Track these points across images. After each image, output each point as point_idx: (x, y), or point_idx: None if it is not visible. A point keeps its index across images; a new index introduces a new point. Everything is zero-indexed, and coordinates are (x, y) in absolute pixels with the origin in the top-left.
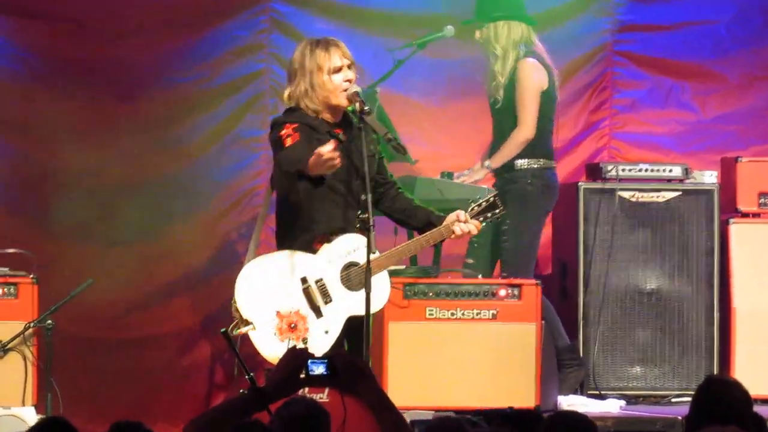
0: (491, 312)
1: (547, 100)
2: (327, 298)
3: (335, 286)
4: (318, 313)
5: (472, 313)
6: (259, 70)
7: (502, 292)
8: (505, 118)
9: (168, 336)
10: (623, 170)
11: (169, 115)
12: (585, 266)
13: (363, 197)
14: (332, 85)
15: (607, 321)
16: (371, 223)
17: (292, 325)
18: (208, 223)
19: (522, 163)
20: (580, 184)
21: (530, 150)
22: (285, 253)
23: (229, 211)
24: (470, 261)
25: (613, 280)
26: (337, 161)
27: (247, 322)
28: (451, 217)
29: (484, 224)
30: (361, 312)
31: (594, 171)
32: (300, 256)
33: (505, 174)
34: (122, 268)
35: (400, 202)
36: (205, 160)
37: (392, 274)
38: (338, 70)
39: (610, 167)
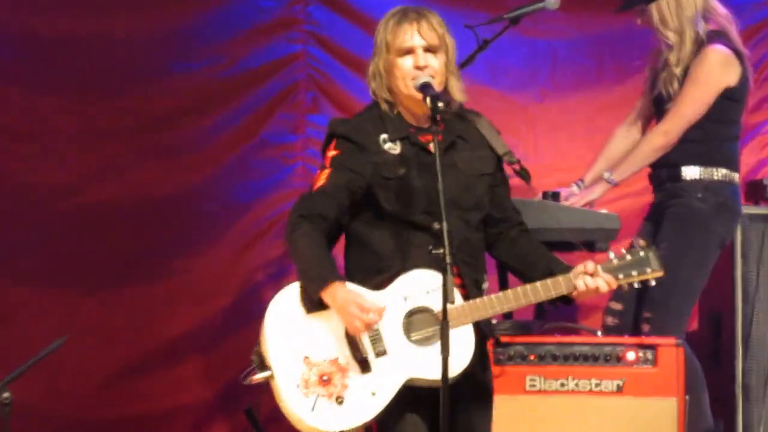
0: (616, 383)
1: (734, 99)
2: (380, 348)
3: (394, 336)
4: (364, 367)
5: (590, 384)
6: (292, 53)
7: (631, 356)
8: None
9: (171, 413)
10: None
11: (171, 114)
12: (744, 321)
13: (436, 225)
14: (399, 72)
15: None
16: (448, 261)
17: (324, 377)
18: (225, 260)
19: (692, 171)
20: None
21: (705, 155)
22: None
23: (254, 243)
24: (617, 307)
25: None
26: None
27: (267, 367)
28: (579, 267)
29: (626, 286)
30: (426, 375)
31: (756, 190)
32: (352, 288)
33: (667, 184)
34: (108, 321)
35: (521, 247)
36: (221, 175)
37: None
38: (408, 51)
39: None
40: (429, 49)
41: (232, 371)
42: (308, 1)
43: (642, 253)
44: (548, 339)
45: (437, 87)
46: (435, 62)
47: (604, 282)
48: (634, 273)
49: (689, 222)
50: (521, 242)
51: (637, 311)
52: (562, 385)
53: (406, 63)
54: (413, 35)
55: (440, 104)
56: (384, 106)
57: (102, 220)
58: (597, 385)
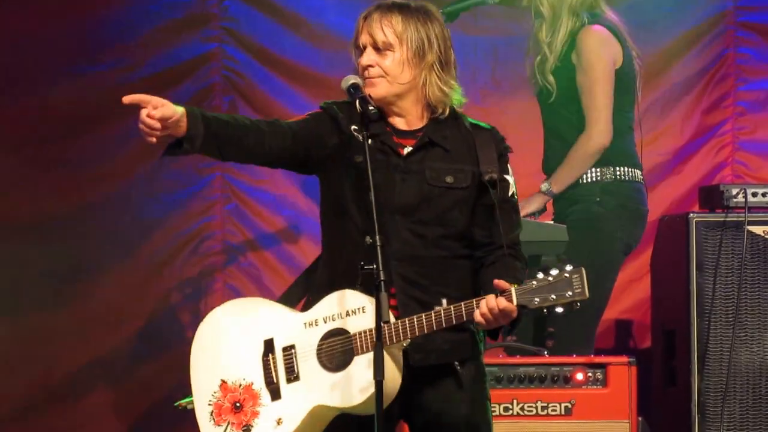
0: (565, 405)
1: (622, 81)
2: (292, 374)
3: (307, 360)
4: (275, 393)
5: (536, 408)
6: (206, 52)
7: (580, 376)
8: (561, 115)
9: None
10: (754, 195)
11: (72, 122)
12: (700, 337)
13: (368, 240)
14: (358, 67)
15: (733, 414)
16: (381, 279)
17: (237, 404)
18: (136, 281)
19: (589, 174)
20: (691, 215)
21: (602, 155)
22: (257, 301)
23: (168, 262)
24: (552, 329)
25: (742, 356)
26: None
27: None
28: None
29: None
30: (332, 403)
31: (712, 197)
32: (275, 309)
33: (564, 192)
34: (9, 352)
35: (488, 274)
36: (130, 188)
37: None
38: (360, 49)
39: (734, 191)
40: (378, 47)
41: (147, 401)
42: None
43: (566, 275)
44: (491, 360)
45: (387, 88)
46: (385, 61)
47: (484, 312)
48: (553, 297)
49: (589, 229)
50: (491, 269)
51: (539, 325)
52: (507, 409)
53: (360, 62)
54: (362, 32)
55: (371, 108)
56: (372, 105)
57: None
58: (544, 408)
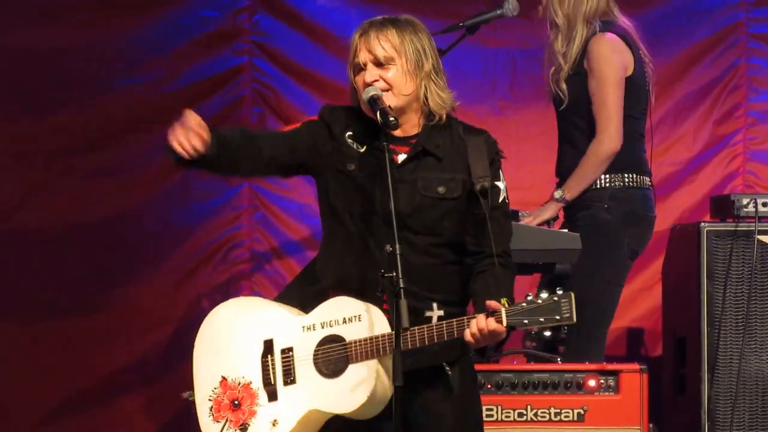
0: (577, 411)
1: (633, 89)
2: (289, 377)
3: (304, 364)
4: (272, 395)
5: (550, 414)
6: (237, 65)
7: (593, 383)
8: (572, 122)
9: None
10: (764, 205)
11: (108, 131)
12: (710, 344)
13: (388, 247)
14: (358, 90)
15: (743, 422)
16: (401, 286)
17: (236, 402)
18: (167, 288)
19: (597, 181)
20: (702, 225)
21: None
22: (259, 301)
23: (198, 269)
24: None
25: (751, 364)
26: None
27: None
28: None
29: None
30: (326, 408)
31: (722, 206)
32: (276, 310)
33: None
34: (44, 356)
35: (477, 284)
36: (162, 197)
37: None
38: (360, 68)
39: (745, 201)
40: (379, 63)
41: (176, 406)
42: (254, 9)
43: (555, 299)
44: (506, 366)
45: (393, 100)
46: (388, 74)
47: (483, 330)
48: (542, 320)
49: (597, 236)
50: (481, 279)
51: (553, 332)
52: (521, 415)
53: (359, 79)
54: (360, 50)
55: (391, 119)
56: (366, 116)
57: (33, 247)
58: (557, 414)
